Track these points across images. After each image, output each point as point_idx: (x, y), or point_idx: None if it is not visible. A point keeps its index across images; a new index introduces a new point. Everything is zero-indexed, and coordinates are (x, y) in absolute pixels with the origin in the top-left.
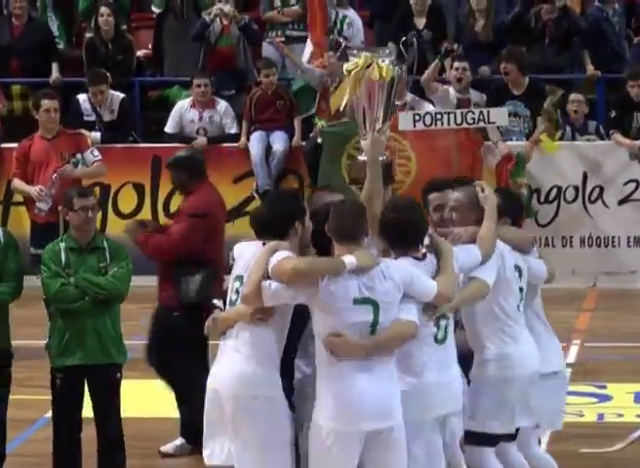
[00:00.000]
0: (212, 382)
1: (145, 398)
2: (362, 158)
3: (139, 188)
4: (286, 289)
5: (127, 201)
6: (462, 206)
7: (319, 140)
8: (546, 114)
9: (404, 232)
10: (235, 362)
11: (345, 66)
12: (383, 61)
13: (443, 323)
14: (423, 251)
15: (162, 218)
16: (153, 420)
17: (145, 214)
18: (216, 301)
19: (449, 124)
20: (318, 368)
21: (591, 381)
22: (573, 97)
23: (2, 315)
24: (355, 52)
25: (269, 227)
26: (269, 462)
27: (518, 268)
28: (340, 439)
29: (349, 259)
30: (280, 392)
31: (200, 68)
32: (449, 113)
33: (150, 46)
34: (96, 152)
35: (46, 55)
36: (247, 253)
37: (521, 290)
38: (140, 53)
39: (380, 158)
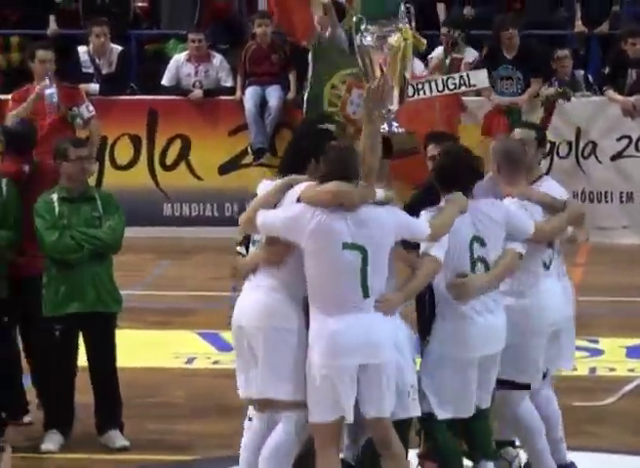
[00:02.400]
0: (236, 319)
1: (140, 348)
2: (400, 130)
3: (135, 140)
4: (276, 223)
5: (123, 153)
6: None
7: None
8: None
9: (457, 176)
10: (257, 296)
11: (391, 41)
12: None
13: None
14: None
15: (158, 170)
16: (148, 370)
17: (142, 165)
18: (239, 248)
19: (431, 92)
20: (310, 306)
21: (584, 335)
22: (558, 53)
23: None
24: (377, 28)
25: (289, 162)
26: (287, 392)
27: None
28: (329, 374)
29: (379, 193)
30: (301, 324)
31: (195, 23)
32: (430, 81)
33: None
34: (90, 107)
35: (43, 7)
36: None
37: None
38: (136, 6)
39: (399, 130)
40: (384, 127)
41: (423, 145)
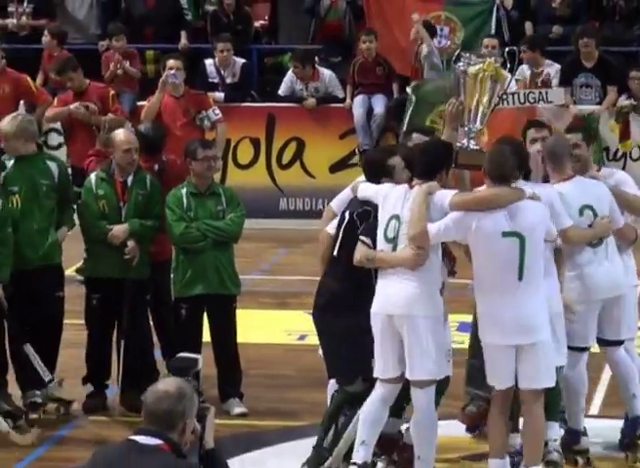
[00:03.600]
0: (384, 308)
1: (258, 326)
2: (473, 147)
3: (255, 142)
4: (449, 230)
5: (245, 153)
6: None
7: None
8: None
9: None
10: (405, 288)
11: (471, 70)
12: (498, 65)
13: None
14: None
15: (275, 169)
16: (264, 346)
17: (261, 165)
18: (364, 239)
19: (514, 104)
20: (476, 291)
21: None
22: (633, 74)
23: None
24: (471, 57)
25: (421, 170)
26: (436, 370)
27: None
28: (494, 351)
29: (528, 191)
30: (442, 311)
31: (310, 38)
32: (513, 94)
33: (267, 17)
34: (217, 111)
35: (176, 24)
36: (394, 194)
37: None
38: (257, 23)
39: (474, 147)
40: (464, 142)
41: (522, 132)
